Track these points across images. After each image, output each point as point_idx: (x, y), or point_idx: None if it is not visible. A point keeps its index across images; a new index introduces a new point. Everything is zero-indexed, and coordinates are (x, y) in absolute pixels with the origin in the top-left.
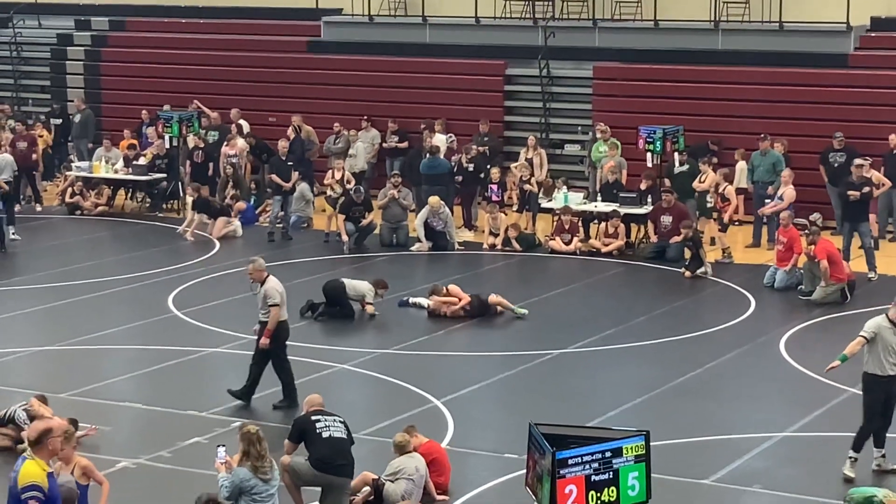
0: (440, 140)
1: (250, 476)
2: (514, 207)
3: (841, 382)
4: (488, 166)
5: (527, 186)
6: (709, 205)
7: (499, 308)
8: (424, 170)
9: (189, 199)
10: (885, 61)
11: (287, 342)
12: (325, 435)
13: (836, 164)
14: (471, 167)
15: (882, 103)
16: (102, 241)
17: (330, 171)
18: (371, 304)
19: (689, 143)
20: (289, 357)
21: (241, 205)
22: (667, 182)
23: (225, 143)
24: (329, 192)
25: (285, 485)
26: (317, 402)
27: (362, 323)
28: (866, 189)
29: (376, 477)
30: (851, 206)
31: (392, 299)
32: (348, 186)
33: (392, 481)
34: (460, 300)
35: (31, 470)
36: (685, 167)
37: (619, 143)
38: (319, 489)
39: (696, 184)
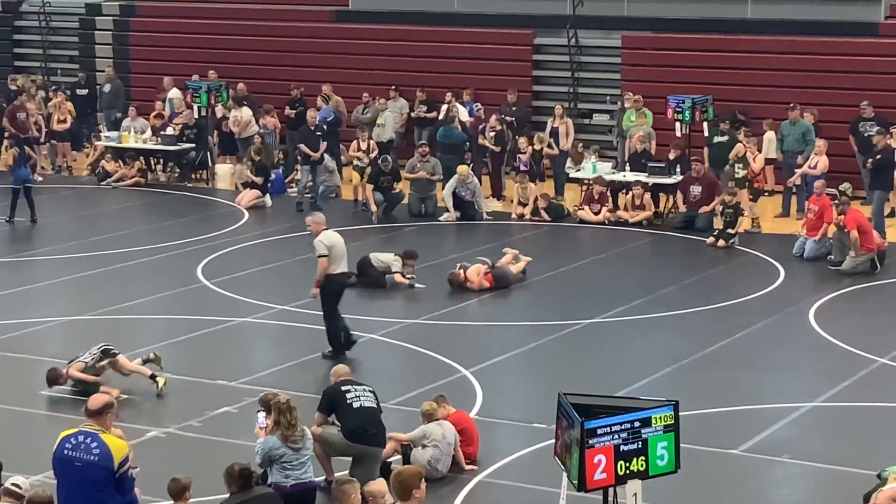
0: (462, 111)
1: (280, 445)
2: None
3: (871, 352)
4: (516, 136)
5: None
6: (737, 175)
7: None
8: (440, 138)
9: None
10: None
11: (341, 295)
12: (356, 405)
13: (866, 134)
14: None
15: None
16: (132, 211)
17: (355, 142)
18: (401, 272)
19: (718, 113)
20: (318, 327)
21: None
22: (704, 152)
23: (263, 115)
24: (356, 162)
25: (315, 455)
26: (343, 373)
27: (391, 293)
28: (878, 157)
29: (405, 438)
30: (870, 174)
31: (424, 269)
32: (373, 156)
33: (420, 447)
34: (479, 286)
35: (120, 443)
36: (725, 137)
37: (648, 112)
38: (350, 458)
39: (732, 154)
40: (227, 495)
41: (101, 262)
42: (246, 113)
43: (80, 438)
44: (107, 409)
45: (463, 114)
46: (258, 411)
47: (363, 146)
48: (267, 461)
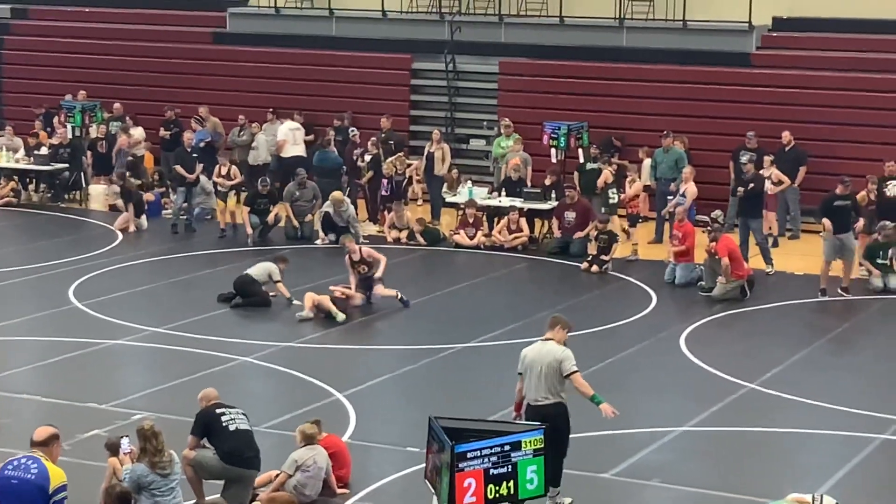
0: (284, 129)
1: (148, 472)
2: (418, 201)
3: (740, 377)
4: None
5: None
6: (611, 201)
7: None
8: (316, 163)
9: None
10: (786, 60)
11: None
12: (231, 428)
13: (739, 162)
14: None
15: (783, 102)
16: (3, 232)
17: (217, 167)
18: (282, 281)
19: (593, 140)
20: (191, 349)
21: (150, 195)
22: (575, 177)
23: (122, 133)
24: (219, 188)
25: (187, 478)
26: (213, 396)
27: (267, 315)
28: (752, 185)
29: (282, 480)
30: (742, 202)
31: (299, 291)
32: (236, 181)
33: (291, 475)
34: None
35: (60, 472)
36: (597, 164)
37: (519, 137)
38: (222, 482)
39: (599, 182)
40: None
41: None
42: (139, 133)
43: (23, 461)
44: (52, 440)
45: (283, 131)
46: (121, 437)
47: (223, 171)
48: (136, 489)
